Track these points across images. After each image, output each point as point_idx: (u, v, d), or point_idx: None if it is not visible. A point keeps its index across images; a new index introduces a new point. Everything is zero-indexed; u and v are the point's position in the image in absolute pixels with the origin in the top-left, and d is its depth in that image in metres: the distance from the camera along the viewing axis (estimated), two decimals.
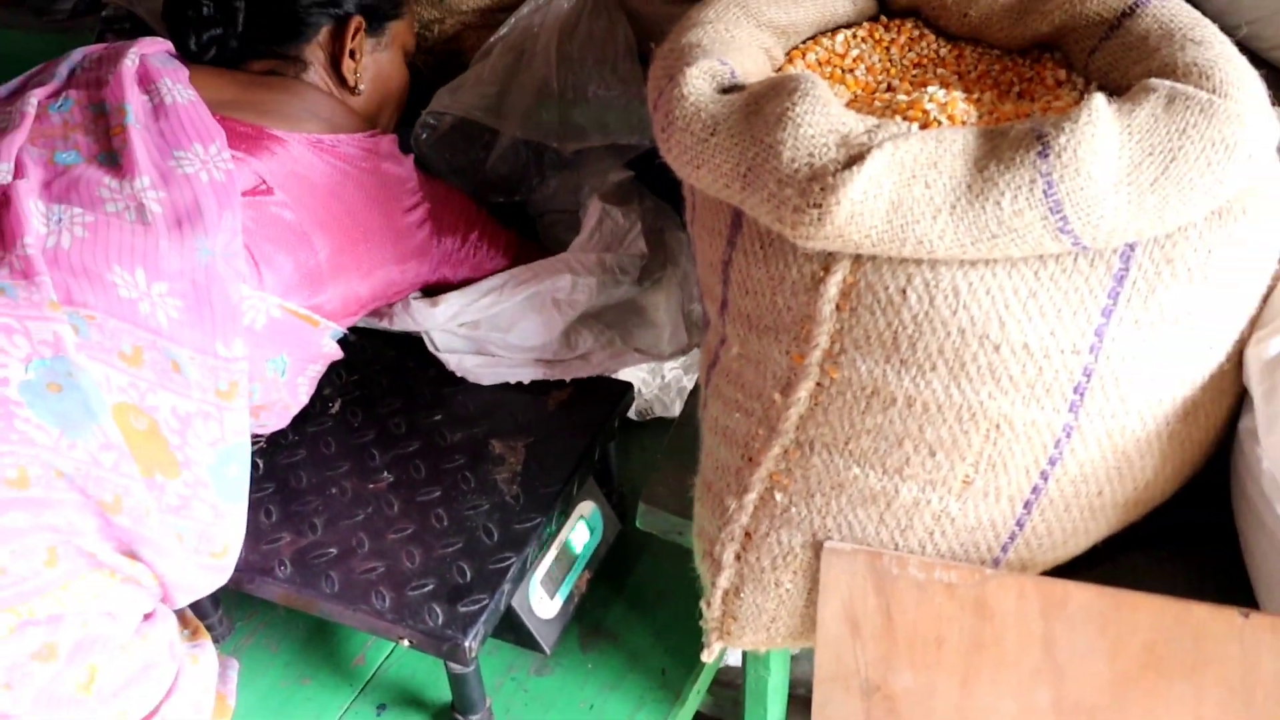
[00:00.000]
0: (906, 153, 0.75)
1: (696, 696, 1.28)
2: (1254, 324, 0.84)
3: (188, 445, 1.03)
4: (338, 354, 1.23)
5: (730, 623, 0.98)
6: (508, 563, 1.09)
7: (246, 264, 1.07)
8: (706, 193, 0.86)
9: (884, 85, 0.95)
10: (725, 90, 0.85)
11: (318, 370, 1.23)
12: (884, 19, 0.99)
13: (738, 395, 0.92)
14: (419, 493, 1.18)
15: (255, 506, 1.18)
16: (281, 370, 1.15)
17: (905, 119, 0.83)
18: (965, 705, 0.93)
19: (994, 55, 0.96)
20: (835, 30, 0.99)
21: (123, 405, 0.99)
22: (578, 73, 1.30)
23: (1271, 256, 0.82)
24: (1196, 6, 0.85)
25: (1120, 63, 0.85)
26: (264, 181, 1.10)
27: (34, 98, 1.11)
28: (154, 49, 1.18)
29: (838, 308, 0.82)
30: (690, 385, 1.47)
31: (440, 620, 1.05)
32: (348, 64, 1.25)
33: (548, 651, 1.19)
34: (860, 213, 0.75)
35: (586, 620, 1.29)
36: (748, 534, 0.94)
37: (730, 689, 1.49)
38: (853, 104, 0.90)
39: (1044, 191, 0.72)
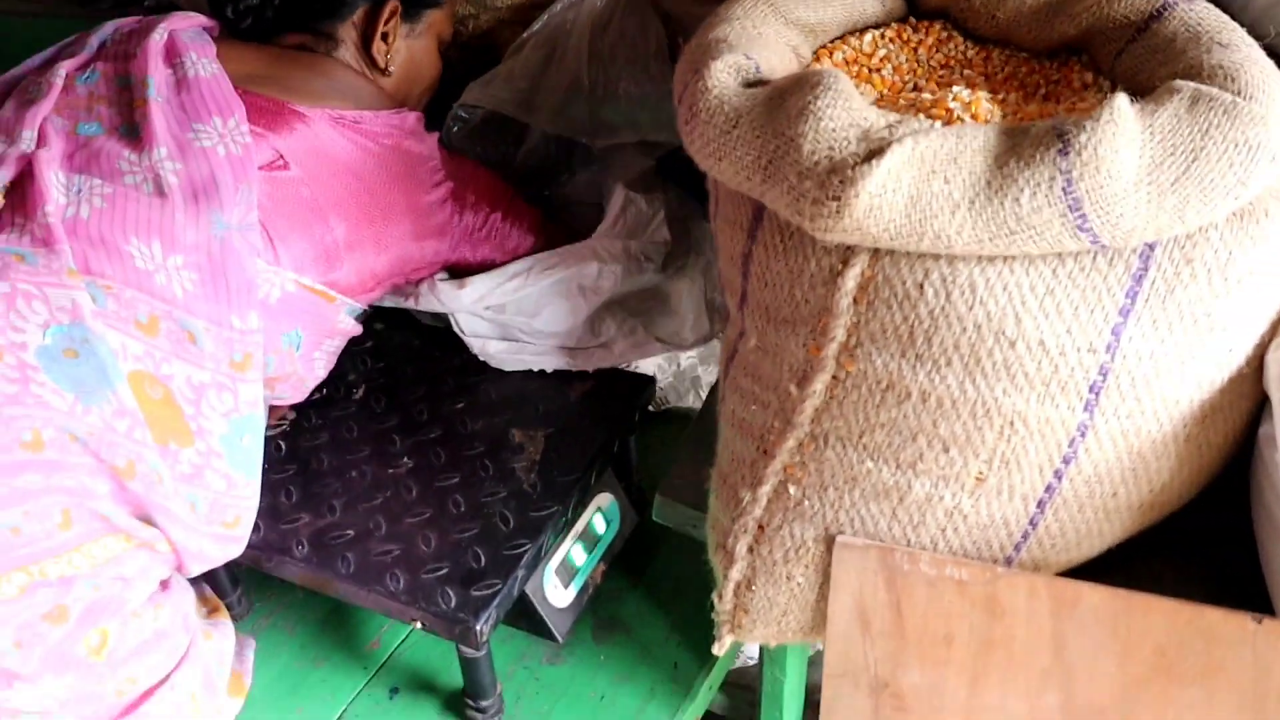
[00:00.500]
0: (927, 148, 0.75)
1: (708, 693, 1.28)
2: (1275, 328, 0.83)
3: (201, 415, 1.04)
4: (355, 330, 1.23)
5: (741, 616, 0.98)
6: (522, 549, 1.10)
7: (262, 240, 1.08)
8: (728, 185, 0.87)
9: (910, 85, 0.95)
10: (749, 85, 0.85)
11: (335, 345, 1.23)
12: (912, 20, 1.00)
13: (754, 387, 0.93)
14: (438, 478, 1.19)
15: (276, 487, 1.20)
16: (296, 344, 1.15)
17: (929, 116, 0.83)
18: (973, 704, 0.93)
19: (1021, 57, 0.96)
20: (863, 30, 0.99)
21: (138, 373, 1.00)
22: (609, 70, 1.31)
23: None
24: (1227, 12, 0.84)
25: (1147, 65, 0.84)
26: (281, 157, 1.11)
27: (63, 69, 1.13)
28: (185, 24, 1.19)
29: (855, 301, 0.82)
30: (706, 376, 1.47)
31: (453, 603, 1.06)
32: (379, 45, 1.25)
33: (560, 640, 1.19)
34: (879, 206, 0.75)
35: (600, 611, 1.30)
36: (761, 527, 0.94)
37: (746, 690, 1.49)
38: (879, 103, 0.90)
39: (1063, 189, 0.72)
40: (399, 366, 1.34)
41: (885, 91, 0.94)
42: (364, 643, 1.29)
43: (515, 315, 1.24)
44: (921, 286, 0.79)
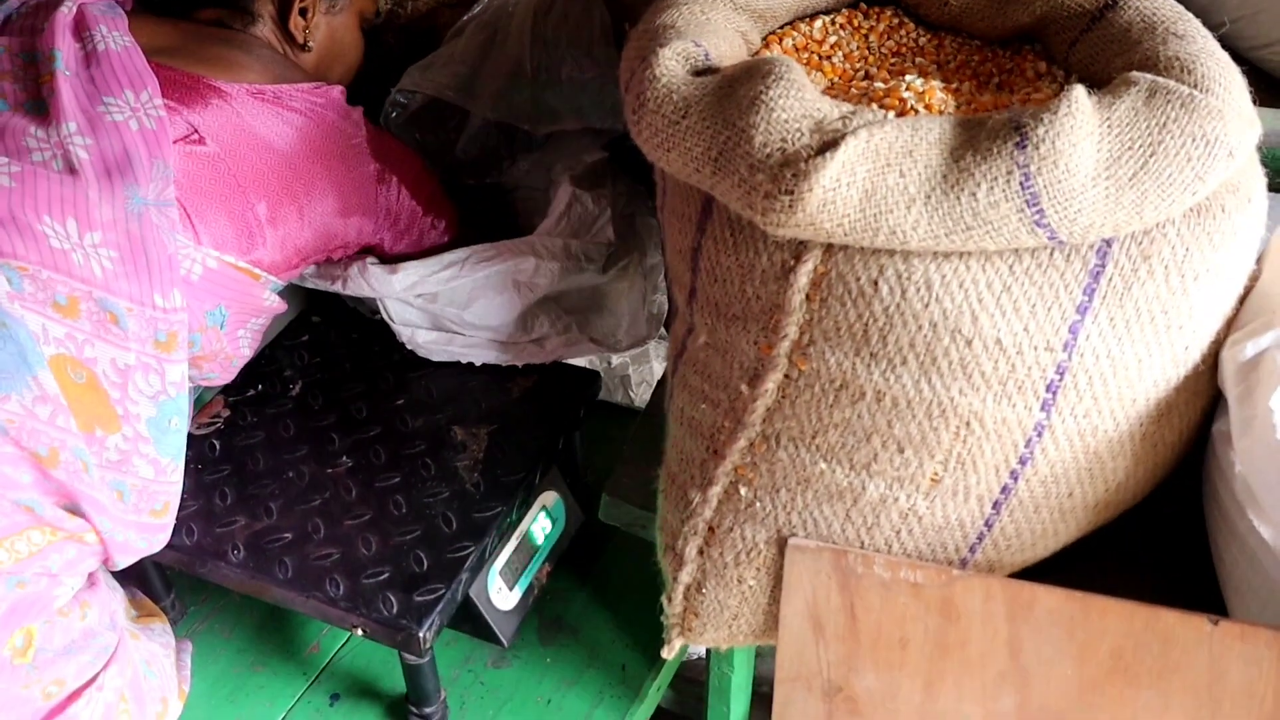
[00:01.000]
0: (881, 140, 0.73)
1: (657, 693, 1.26)
2: (1230, 325, 0.82)
3: (128, 399, 1.01)
4: (280, 307, 1.20)
5: (692, 619, 0.96)
6: (466, 552, 1.07)
7: (181, 219, 1.04)
8: (677, 177, 0.84)
9: (861, 73, 0.93)
10: (699, 73, 0.83)
11: (261, 324, 1.20)
12: (863, 6, 0.98)
13: (704, 386, 0.90)
14: (378, 478, 1.15)
15: (210, 489, 1.16)
16: (220, 322, 1.12)
17: (882, 107, 0.82)
18: (929, 708, 0.92)
19: (974, 45, 0.94)
20: (813, 16, 0.97)
21: (60, 357, 0.96)
22: (552, 54, 1.27)
23: (1249, 256, 0.81)
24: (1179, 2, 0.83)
25: (1101, 55, 0.83)
26: (196, 131, 1.07)
27: None
28: None
29: (808, 298, 0.80)
30: (634, 375, 1.45)
31: (395, 609, 1.03)
32: (296, 21, 1.21)
33: (505, 644, 1.16)
34: (832, 200, 0.73)
35: (546, 613, 1.27)
36: (711, 528, 0.92)
37: (694, 685, 1.47)
38: (829, 91, 0.89)
39: (1021, 184, 0.71)
40: (337, 362, 1.30)
41: (836, 80, 0.92)
42: (303, 647, 1.26)
43: (447, 306, 1.21)
44: (876, 283, 0.77)
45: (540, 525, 1.19)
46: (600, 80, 1.26)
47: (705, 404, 0.90)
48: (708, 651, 1.19)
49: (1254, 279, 0.83)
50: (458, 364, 1.27)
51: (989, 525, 0.85)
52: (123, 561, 1.06)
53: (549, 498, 1.21)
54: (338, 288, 1.22)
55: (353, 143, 1.18)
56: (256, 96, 1.11)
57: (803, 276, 0.80)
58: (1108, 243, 0.75)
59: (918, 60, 0.94)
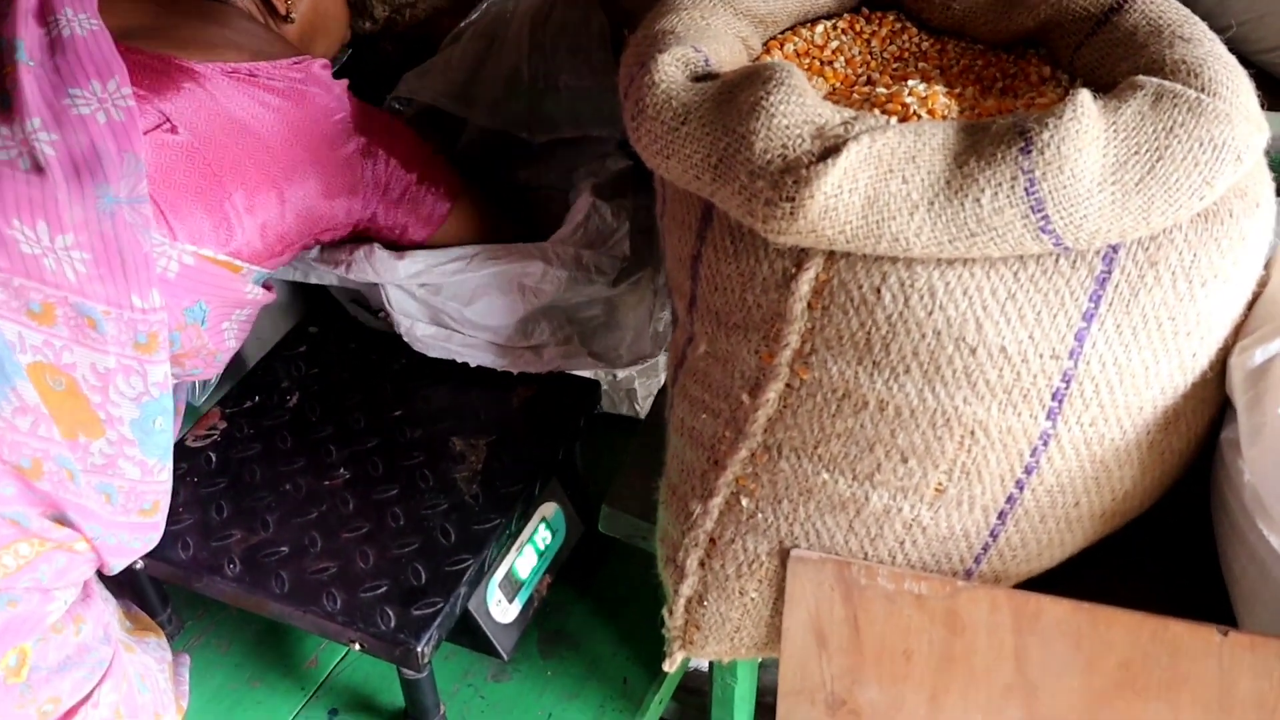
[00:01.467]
0: (884, 146, 0.72)
1: (659, 706, 1.24)
2: (1238, 331, 0.81)
3: (110, 402, 0.98)
4: (267, 298, 1.15)
5: (693, 632, 0.95)
6: (464, 565, 1.06)
7: (154, 215, 1.00)
8: (677, 184, 0.83)
9: (864, 78, 0.92)
10: (698, 78, 0.82)
11: (247, 315, 1.15)
12: (865, 11, 0.97)
13: (704, 395, 0.89)
14: (375, 490, 1.14)
15: (206, 502, 1.15)
16: (201, 319, 1.07)
17: (884, 112, 0.81)
18: None
19: (977, 50, 0.93)
20: (815, 21, 0.96)
21: (38, 365, 0.94)
22: (550, 61, 1.26)
23: (1258, 261, 0.79)
24: (1186, 4, 0.82)
25: (1107, 59, 0.82)
26: (168, 120, 1.02)
27: None
28: None
29: (809, 306, 0.79)
30: (640, 389, 1.44)
31: (392, 624, 1.01)
32: None
33: (505, 657, 1.15)
34: (834, 207, 0.72)
35: (547, 625, 1.26)
36: (712, 540, 0.90)
37: (696, 696, 1.46)
38: (831, 97, 0.88)
39: (1025, 189, 0.70)
40: (334, 372, 1.29)
41: (838, 85, 0.91)
42: (301, 661, 1.24)
43: (449, 300, 1.19)
44: (879, 291, 0.76)
45: (540, 537, 1.18)
46: (599, 87, 1.25)
47: (706, 414, 0.89)
48: (711, 663, 1.18)
49: (1262, 284, 0.82)
50: (457, 373, 1.25)
51: (994, 536, 0.84)
52: (118, 564, 1.05)
53: (549, 509, 1.20)
54: (341, 271, 1.19)
55: (335, 119, 1.12)
56: (232, 76, 1.07)
57: (804, 284, 0.79)
58: (1114, 249, 0.74)
59: (920, 65, 0.93)
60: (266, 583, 1.06)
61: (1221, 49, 0.77)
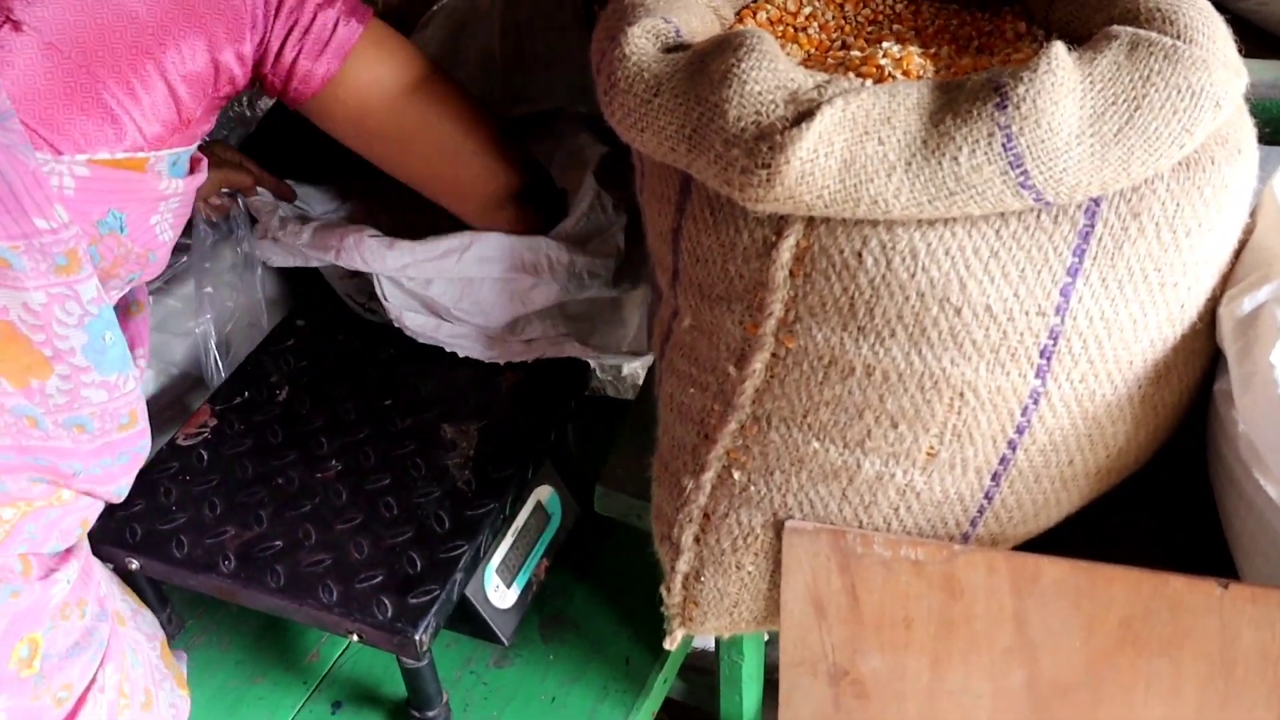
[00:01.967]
0: (858, 108, 0.71)
1: (663, 685, 1.24)
2: (1226, 281, 0.80)
3: (56, 337, 0.91)
4: (193, 184, 1.03)
5: (692, 608, 0.95)
6: (459, 551, 1.05)
7: (27, 133, 0.89)
8: (653, 157, 0.82)
9: (838, 43, 0.91)
10: (669, 49, 0.81)
11: (178, 204, 1.02)
12: None
13: (691, 369, 0.88)
14: (368, 481, 1.13)
15: (199, 500, 1.14)
16: (119, 226, 0.96)
17: (859, 75, 0.80)
18: (937, 687, 0.90)
19: (951, 9, 0.92)
20: None
21: None
22: (523, 40, 1.25)
23: (1242, 209, 0.78)
24: None
25: (1082, 11, 0.81)
26: (6, 18, 0.90)
27: None
28: None
29: (791, 274, 0.78)
30: (637, 373, 1.43)
31: (390, 613, 1.01)
32: None
33: (506, 642, 1.14)
34: (811, 172, 0.71)
35: (547, 609, 1.25)
36: (706, 515, 0.90)
37: (705, 675, 1.46)
38: (806, 63, 0.87)
39: (1003, 145, 0.69)
40: (323, 364, 1.28)
41: (813, 51, 0.90)
42: (302, 656, 1.24)
43: (439, 295, 1.18)
44: (860, 255, 0.75)
45: (536, 520, 1.17)
46: (574, 64, 1.23)
47: (694, 388, 0.88)
48: (717, 641, 1.18)
49: (1248, 232, 0.81)
50: (446, 361, 1.24)
51: (989, 498, 0.83)
52: (120, 490, 1.01)
53: (543, 492, 1.19)
54: (331, 257, 1.17)
55: None
56: None
57: (785, 252, 0.78)
58: (1096, 202, 0.73)
59: (895, 27, 0.92)
60: (262, 577, 1.05)
61: None
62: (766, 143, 0.71)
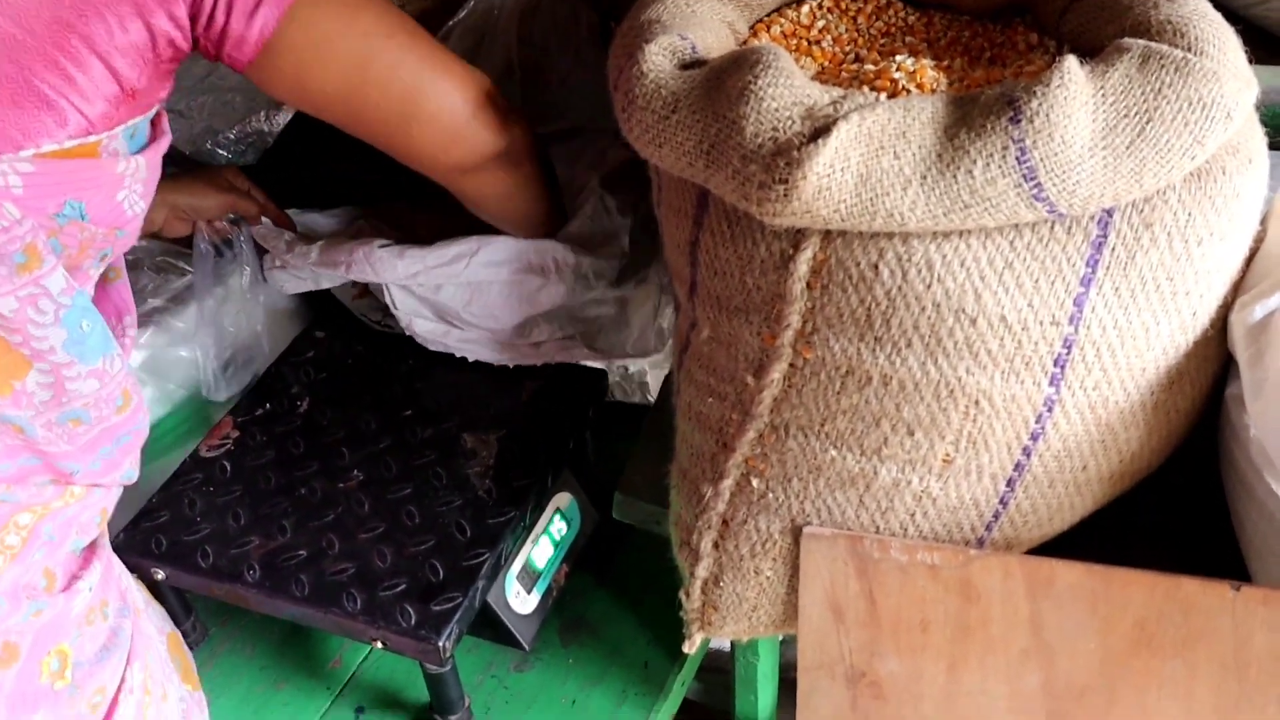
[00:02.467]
0: (874, 123, 0.72)
1: (681, 688, 1.25)
2: (1237, 288, 0.82)
3: (32, 338, 0.88)
4: (151, 157, 0.96)
5: (711, 613, 0.96)
6: (481, 559, 1.07)
7: None
8: (671, 172, 0.84)
9: (851, 56, 0.92)
10: (686, 66, 0.82)
11: (142, 177, 0.95)
12: None
13: (710, 379, 0.90)
14: (390, 491, 1.15)
15: (223, 510, 1.15)
16: (79, 214, 0.90)
17: (873, 89, 0.81)
18: (953, 690, 0.91)
19: (963, 21, 0.93)
20: (800, 1, 0.96)
21: None
22: (539, 57, 1.26)
23: (1253, 216, 0.80)
24: None
25: (1092, 23, 0.82)
26: None
27: None
28: None
29: (809, 286, 0.80)
30: (652, 379, 1.44)
31: (413, 620, 1.02)
32: None
33: (526, 647, 1.16)
34: (828, 187, 0.72)
35: (566, 614, 1.27)
36: (725, 521, 0.91)
37: (721, 675, 1.47)
38: (820, 76, 0.88)
39: (1017, 158, 0.70)
40: (343, 375, 1.30)
41: (826, 64, 0.91)
42: (325, 661, 1.25)
43: (449, 300, 1.19)
44: (876, 267, 0.77)
45: (555, 527, 1.19)
46: (589, 81, 1.25)
47: (712, 398, 0.90)
48: (733, 642, 1.19)
49: (1259, 240, 0.82)
50: (465, 370, 1.26)
51: (1004, 503, 0.85)
52: (127, 475, 1.00)
53: (563, 499, 1.20)
54: (342, 273, 1.19)
55: None
56: None
57: (802, 264, 0.79)
58: (1108, 213, 0.74)
59: (908, 39, 0.93)
60: (287, 586, 1.07)
61: (1206, 6, 0.77)
62: (784, 158, 0.73)
